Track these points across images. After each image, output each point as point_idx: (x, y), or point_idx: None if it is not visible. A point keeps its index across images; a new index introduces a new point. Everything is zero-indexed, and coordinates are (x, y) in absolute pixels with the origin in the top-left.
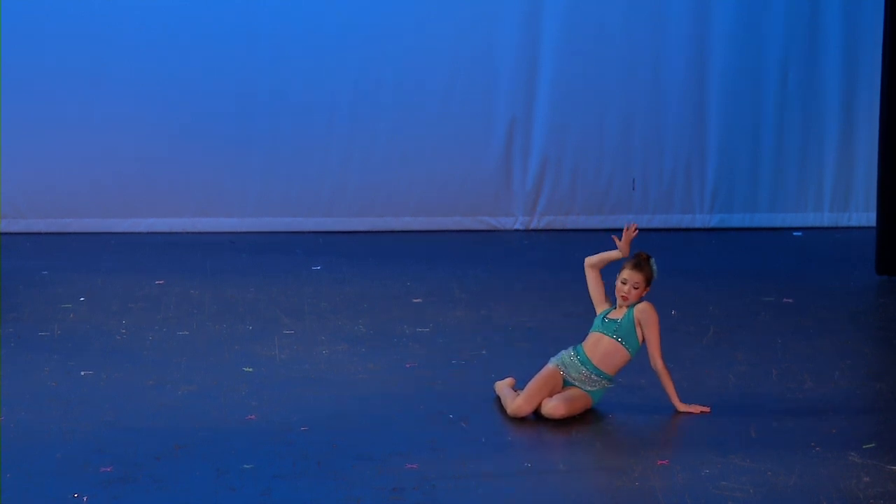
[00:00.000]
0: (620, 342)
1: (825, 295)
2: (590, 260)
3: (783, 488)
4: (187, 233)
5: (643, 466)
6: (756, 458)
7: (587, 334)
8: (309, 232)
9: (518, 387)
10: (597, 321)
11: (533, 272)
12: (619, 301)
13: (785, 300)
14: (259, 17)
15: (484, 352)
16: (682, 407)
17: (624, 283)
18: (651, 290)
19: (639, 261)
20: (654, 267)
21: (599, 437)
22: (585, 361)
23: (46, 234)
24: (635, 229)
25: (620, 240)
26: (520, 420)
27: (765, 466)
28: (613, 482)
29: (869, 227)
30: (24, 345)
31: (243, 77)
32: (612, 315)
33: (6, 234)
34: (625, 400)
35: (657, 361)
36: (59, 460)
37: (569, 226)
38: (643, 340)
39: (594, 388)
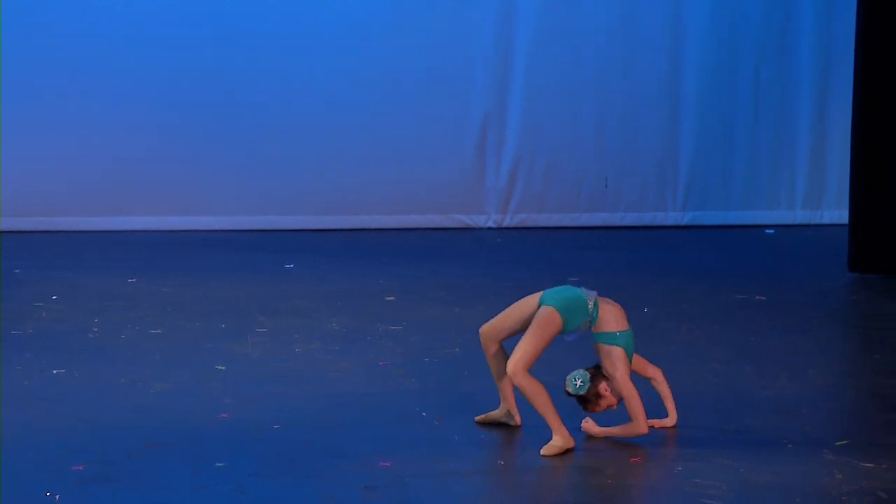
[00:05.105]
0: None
1: (798, 292)
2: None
3: (757, 485)
4: (161, 231)
5: (616, 464)
6: (730, 455)
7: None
8: (283, 230)
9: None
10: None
11: (506, 270)
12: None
13: (758, 297)
14: (236, 18)
15: (457, 350)
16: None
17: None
18: (624, 288)
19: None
20: (574, 388)
21: (573, 435)
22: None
23: (19, 232)
24: None
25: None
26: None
27: (738, 464)
28: (587, 480)
29: (841, 225)
30: None
31: (219, 77)
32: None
33: None
34: None
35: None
36: (31, 459)
37: (542, 223)
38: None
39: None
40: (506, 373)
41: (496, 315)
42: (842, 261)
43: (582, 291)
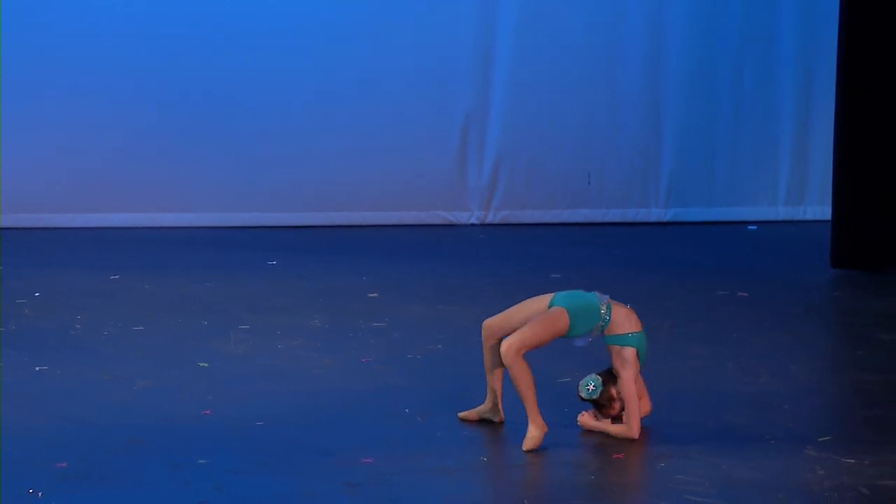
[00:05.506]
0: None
1: (781, 288)
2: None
3: (739, 482)
4: (143, 228)
5: (599, 461)
6: (712, 451)
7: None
8: (265, 227)
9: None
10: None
11: (489, 266)
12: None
13: (740, 294)
14: (218, 15)
15: (440, 346)
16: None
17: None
18: (607, 285)
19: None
20: (587, 392)
21: (555, 432)
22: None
23: (1, 229)
24: None
25: None
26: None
27: (721, 460)
28: (570, 476)
29: (824, 221)
30: None
31: (202, 74)
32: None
33: None
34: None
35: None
36: (14, 456)
37: (525, 220)
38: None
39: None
40: (498, 366)
41: (496, 311)
42: (824, 257)
43: (595, 297)
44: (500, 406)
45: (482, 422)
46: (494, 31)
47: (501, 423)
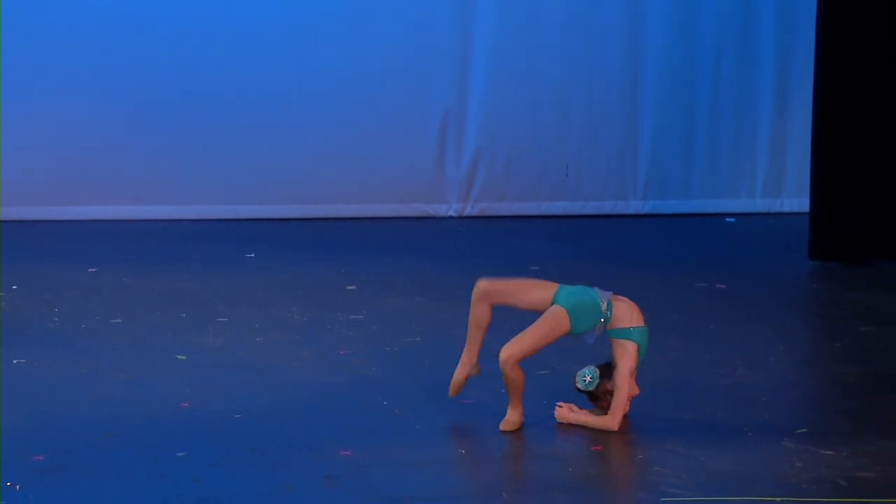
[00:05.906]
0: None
1: (758, 281)
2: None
3: (717, 473)
4: (121, 221)
5: (577, 453)
6: (690, 443)
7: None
8: (243, 219)
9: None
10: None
11: (467, 258)
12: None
13: (718, 286)
14: (197, 8)
15: (418, 339)
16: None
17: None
18: (585, 277)
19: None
20: (583, 384)
21: (534, 425)
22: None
23: None
24: None
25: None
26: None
27: (698, 452)
28: (548, 468)
29: (801, 213)
30: None
31: (179, 66)
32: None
33: None
34: (559, 387)
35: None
36: None
37: (503, 212)
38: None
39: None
40: (485, 323)
41: (502, 279)
42: (802, 249)
43: (597, 293)
44: (476, 358)
45: (461, 412)
46: (473, 25)
47: (479, 374)
